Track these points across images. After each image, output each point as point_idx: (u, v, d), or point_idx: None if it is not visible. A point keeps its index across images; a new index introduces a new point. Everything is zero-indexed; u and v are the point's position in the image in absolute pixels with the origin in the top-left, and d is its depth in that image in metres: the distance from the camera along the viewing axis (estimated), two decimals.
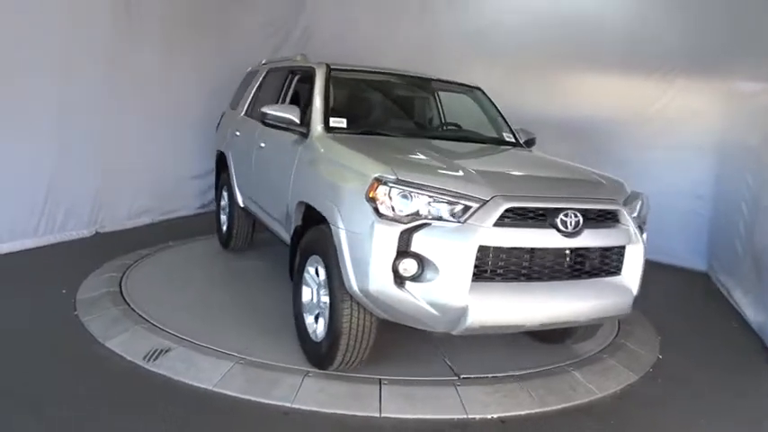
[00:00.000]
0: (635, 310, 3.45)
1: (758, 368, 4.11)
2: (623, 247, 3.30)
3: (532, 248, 3.06)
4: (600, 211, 3.24)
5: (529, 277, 3.08)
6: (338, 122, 3.84)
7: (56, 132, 5.27)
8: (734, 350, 4.37)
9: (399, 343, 3.63)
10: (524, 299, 3.04)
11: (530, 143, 4.44)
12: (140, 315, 3.89)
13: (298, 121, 3.85)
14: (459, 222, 2.89)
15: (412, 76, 4.78)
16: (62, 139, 5.29)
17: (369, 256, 2.90)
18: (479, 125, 4.55)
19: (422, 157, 3.57)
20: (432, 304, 2.89)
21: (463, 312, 2.88)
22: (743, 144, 5.56)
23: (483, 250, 2.91)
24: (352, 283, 3.01)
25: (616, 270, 3.31)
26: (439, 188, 2.94)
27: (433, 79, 4.78)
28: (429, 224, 2.88)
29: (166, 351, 3.45)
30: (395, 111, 4.81)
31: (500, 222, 2.91)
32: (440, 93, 4.90)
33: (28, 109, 4.97)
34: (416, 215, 2.89)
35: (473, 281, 2.88)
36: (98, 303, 4.05)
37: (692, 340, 4.48)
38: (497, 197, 2.94)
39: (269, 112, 3.90)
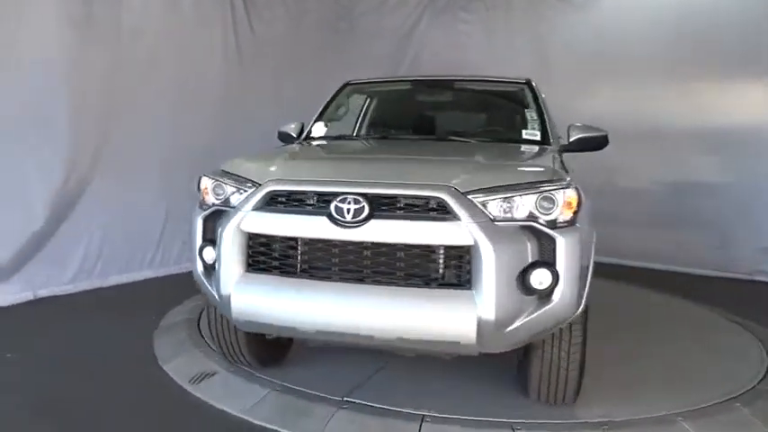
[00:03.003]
0: None
1: None
2: (466, 249, 2.49)
3: (312, 240, 2.67)
4: (412, 197, 2.56)
5: (313, 275, 2.68)
6: (318, 131, 4.03)
7: (174, 170, 5.62)
8: None
9: (452, 376, 3.36)
10: (295, 298, 2.63)
11: (582, 143, 3.57)
12: (204, 340, 3.92)
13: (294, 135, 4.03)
14: (231, 208, 2.81)
15: (446, 80, 4.50)
16: (178, 177, 5.68)
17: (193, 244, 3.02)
18: (512, 122, 4.03)
19: (321, 155, 3.53)
20: (216, 292, 2.82)
21: (230, 302, 2.72)
22: None
23: (255, 238, 2.73)
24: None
25: (460, 281, 2.53)
26: (237, 176, 2.90)
27: (474, 80, 4.48)
28: (222, 210, 2.86)
29: (212, 375, 3.44)
30: (409, 115, 4.52)
31: (267, 208, 2.72)
32: (480, 92, 4.47)
33: (150, 151, 5.46)
34: (226, 203, 2.88)
35: (250, 271, 2.73)
36: (173, 328, 4.18)
37: None
38: (270, 181, 2.75)
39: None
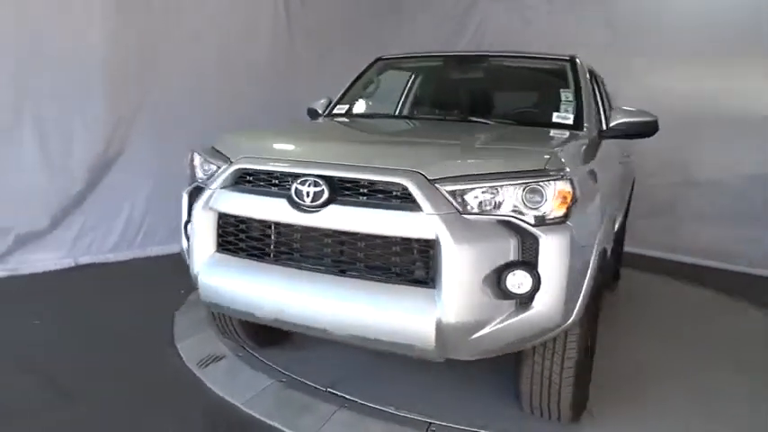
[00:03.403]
0: None
1: None
2: (428, 243, 2.22)
3: (276, 223, 2.52)
4: (375, 182, 2.31)
5: (278, 260, 2.53)
6: (339, 109, 3.83)
7: None
8: None
9: (462, 378, 3.18)
10: (252, 283, 2.51)
11: (625, 129, 3.19)
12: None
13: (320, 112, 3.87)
14: (204, 185, 2.72)
15: (480, 56, 4.13)
16: None
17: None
18: (543, 104, 3.64)
19: (314, 133, 3.30)
20: (191, 270, 2.73)
21: (197, 282, 2.67)
22: None
23: (224, 218, 2.63)
24: None
25: (422, 278, 2.27)
26: (218, 152, 2.78)
27: (511, 56, 4.07)
28: (201, 187, 2.74)
29: (220, 359, 3.38)
30: (434, 94, 4.22)
31: (235, 187, 2.60)
32: (516, 69, 4.07)
33: (196, 124, 5.31)
34: (210, 180, 2.73)
35: (220, 251, 2.64)
36: (196, 306, 4.10)
37: None
38: (241, 158, 2.62)
39: None
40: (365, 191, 2.33)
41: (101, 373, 3.19)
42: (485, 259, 2.17)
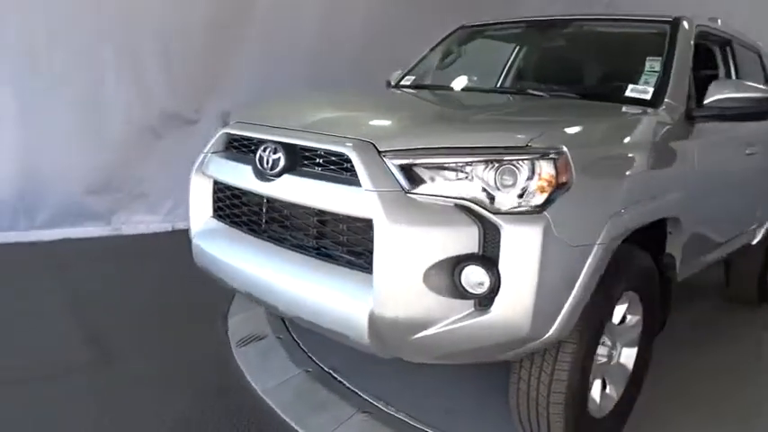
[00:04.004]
0: None
1: None
2: (367, 223, 1.86)
3: (245, 191, 2.37)
4: (324, 151, 2.05)
5: (251, 230, 2.39)
6: (406, 81, 3.55)
7: None
8: None
9: (490, 392, 2.73)
10: (232, 252, 2.38)
11: (728, 108, 2.60)
12: None
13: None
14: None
15: (566, 20, 3.47)
16: None
17: None
18: (621, 75, 2.98)
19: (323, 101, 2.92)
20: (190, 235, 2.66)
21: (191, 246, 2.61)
22: None
23: (217, 183, 2.55)
24: None
25: (363, 263, 1.95)
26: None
27: (602, 19, 3.49)
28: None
29: (260, 339, 3.33)
30: (504, 64, 3.75)
31: (224, 152, 2.52)
32: (603, 34, 3.42)
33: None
34: None
35: (215, 217, 2.57)
36: None
37: None
38: (232, 123, 2.52)
39: None
40: (321, 161, 2.08)
41: (149, 339, 3.25)
42: (430, 248, 1.80)
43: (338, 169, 2.01)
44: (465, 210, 1.82)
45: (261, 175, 2.21)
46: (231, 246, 2.40)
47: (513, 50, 3.82)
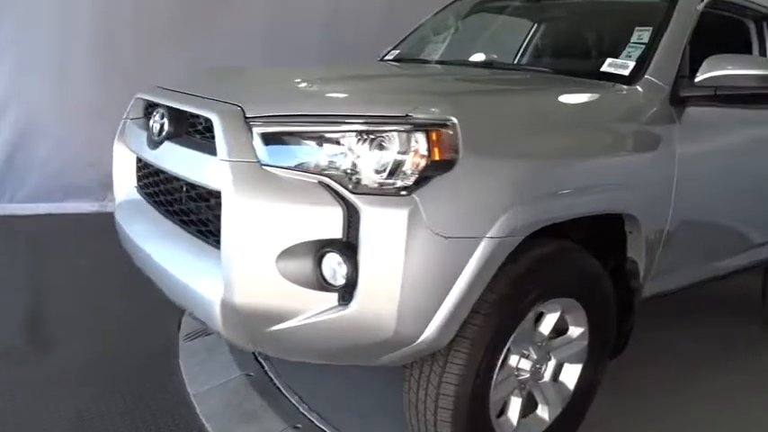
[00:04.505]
0: None
1: None
2: (218, 196, 1.64)
3: (142, 159, 2.24)
4: (196, 116, 1.87)
5: (149, 201, 2.25)
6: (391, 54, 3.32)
7: None
8: None
9: None
10: (136, 229, 2.18)
11: (725, 86, 2.22)
12: None
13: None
14: None
15: None
16: None
17: None
18: (601, 49, 2.65)
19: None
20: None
21: None
22: None
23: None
24: None
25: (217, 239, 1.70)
26: None
27: None
28: None
29: (209, 334, 3.09)
30: (489, 37, 3.37)
31: (139, 119, 2.32)
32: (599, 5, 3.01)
33: None
34: None
35: (137, 188, 2.39)
36: None
37: None
38: (152, 88, 2.28)
39: None
40: (201, 129, 1.88)
41: (96, 326, 3.10)
42: (284, 229, 1.56)
43: (210, 137, 1.79)
44: (328, 188, 1.58)
45: (150, 141, 2.06)
46: (139, 221, 2.23)
47: (497, 23, 3.43)
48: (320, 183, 1.58)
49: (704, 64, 2.24)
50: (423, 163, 1.54)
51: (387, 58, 3.33)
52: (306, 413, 2.47)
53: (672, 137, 2.21)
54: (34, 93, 4.71)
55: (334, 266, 1.57)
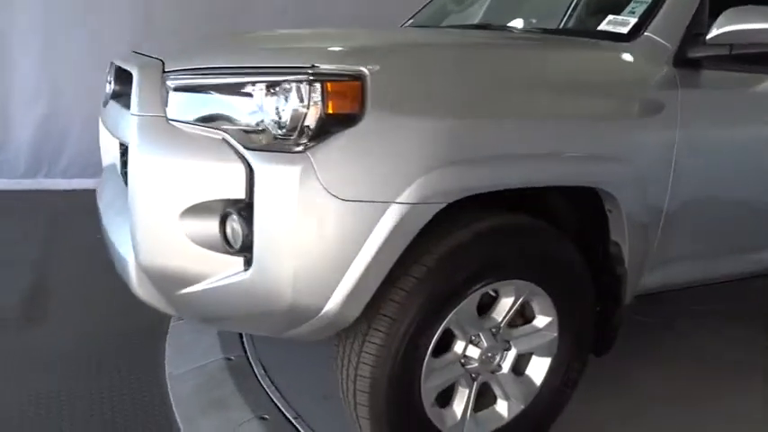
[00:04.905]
0: None
1: None
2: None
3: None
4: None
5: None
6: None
7: None
8: None
9: None
10: (103, 197, 2.09)
11: (744, 43, 1.87)
12: None
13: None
14: None
15: None
16: None
17: None
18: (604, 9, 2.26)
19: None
20: None
21: None
22: None
23: None
24: None
25: None
26: None
27: None
28: None
29: None
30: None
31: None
32: None
33: None
34: None
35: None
36: None
37: None
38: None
39: None
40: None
41: (92, 301, 3.09)
42: (186, 188, 1.48)
43: None
44: (231, 145, 1.47)
45: (104, 102, 2.06)
46: (107, 189, 2.17)
47: None
48: (224, 139, 1.48)
49: (720, 18, 1.91)
50: (317, 116, 1.40)
51: (408, 24, 3.22)
52: (277, 402, 2.33)
53: (673, 104, 1.93)
54: (68, 71, 4.84)
55: (233, 228, 1.47)
